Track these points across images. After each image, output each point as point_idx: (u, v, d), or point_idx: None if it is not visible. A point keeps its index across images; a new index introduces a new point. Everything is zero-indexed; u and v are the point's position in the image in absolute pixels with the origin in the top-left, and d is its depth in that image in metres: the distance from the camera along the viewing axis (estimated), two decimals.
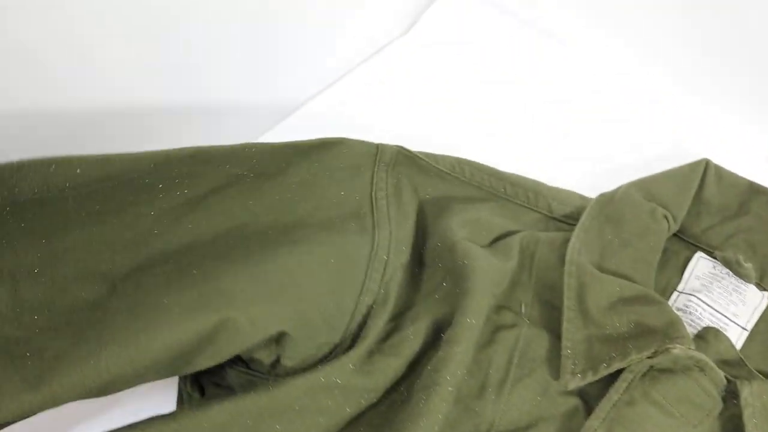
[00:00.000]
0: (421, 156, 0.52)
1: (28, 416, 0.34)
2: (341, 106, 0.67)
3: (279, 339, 0.42)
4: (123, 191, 0.42)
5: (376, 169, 0.50)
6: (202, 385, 0.47)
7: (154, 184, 0.43)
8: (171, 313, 0.37)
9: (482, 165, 0.53)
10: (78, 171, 0.41)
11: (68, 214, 0.40)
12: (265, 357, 0.43)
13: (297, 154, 0.48)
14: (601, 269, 0.46)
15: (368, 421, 0.42)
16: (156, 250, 0.41)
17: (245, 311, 0.39)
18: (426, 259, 0.49)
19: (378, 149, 0.51)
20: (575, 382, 0.42)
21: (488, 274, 0.45)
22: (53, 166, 0.40)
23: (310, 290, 0.43)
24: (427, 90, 0.68)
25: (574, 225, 0.49)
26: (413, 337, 0.44)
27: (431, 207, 0.51)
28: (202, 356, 0.39)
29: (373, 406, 0.43)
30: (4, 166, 0.39)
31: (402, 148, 0.52)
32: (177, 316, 0.37)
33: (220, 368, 0.44)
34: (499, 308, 0.46)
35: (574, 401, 0.43)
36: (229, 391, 0.45)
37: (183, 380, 0.47)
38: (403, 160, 0.51)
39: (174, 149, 0.44)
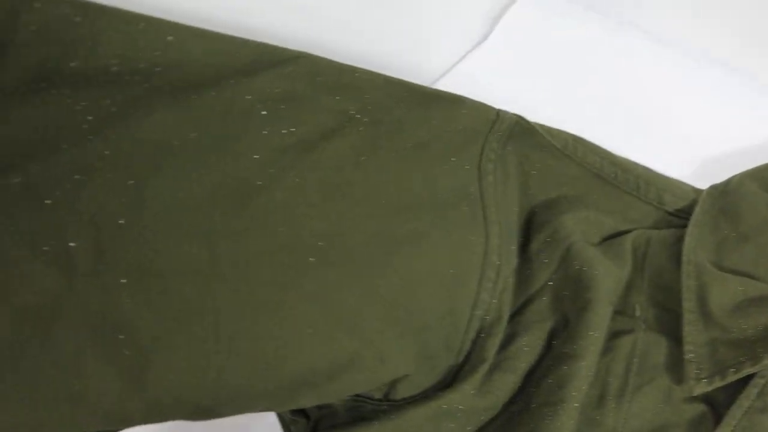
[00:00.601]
0: (538, 128, 0.46)
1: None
2: None
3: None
4: (222, 102, 0.34)
5: (489, 137, 0.43)
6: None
7: (254, 107, 0.35)
8: (300, 333, 0.34)
9: (596, 146, 0.48)
10: (169, 38, 0.33)
11: (160, 121, 0.32)
12: (377, 391, 0.40)
13: (414, 102, 0.41)
14: (721, 268, 0.43)
15: None
16: (259, 214, 0.34)
17: (375, 345, 0.36)
18: (531, 254, 0.44)
19: (498, 115, 0.44)
20: (701, 388, 0.41)
21: (608, 283, 0.42)
22: (141, 24, 0.33)
23: (432, 313, 0.39)
24: (517, 96, 0.63)
25: (686, 220, 0.46)
26: (527, 348, 0.42)
27: (536, 187, 0.46)
28: (314, 393, 0.36)
29: (491, 420, 0.41)
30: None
31: (521, 117, 0.46)
32: (308, 338, 0.34)
33: None
34: (614, 314, 0.44)
35: (701, 408, 0.42)
36: (332, 413, 0.43)
37: None
38: (520, 131, 0.45)
39: (278, 47, 0.36)
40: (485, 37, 0.63)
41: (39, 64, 0.29)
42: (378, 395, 0.41)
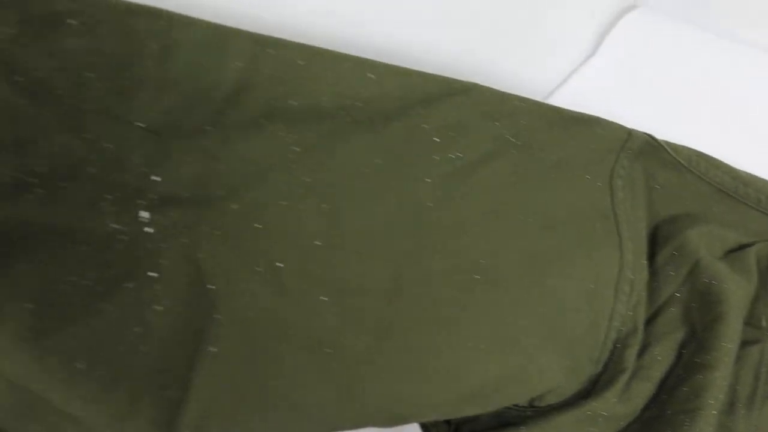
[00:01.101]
0: (665, 144, 0.48)
1: None
2: None
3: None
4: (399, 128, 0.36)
5: (620, 156, 0.46)
6: None
7: (429, 134, 0.38)
8: (475, 348, 0.37)
9: (717, 161, 0.50)
10: (370, 76, 0.36)
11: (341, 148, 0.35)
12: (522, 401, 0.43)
13: (557, 123, 0.44)
14: None
15: None
16: (432, 234, 0.37)
17: (536, 360, 0.39)
18: (657, 267, 0.47)
19: (630, 135, 0.47)
20: None
21: (738, 297, 0.44)
22: (348, 63, 0.35)
23: (578, 327, 0.42)
24: (624, 111, 0.60)
25: None
26: (660, 357, 0.44)
27: (661, 203, 0.48)
28: (479, 405, 0.39)
29: (628, 426, 0.44)
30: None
31: (651, 136, 0.48)
32: (482, 353, 0.37)
33: None
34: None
35: None
36: (474, 417, 0.45)
37: None
38: (649, 149, 0.48)
39: (453, 79, 0.39)
40: (592, 54, 0.64)
41: (267, 103, 0.33)
42: (523, 402, 0.44)
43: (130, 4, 0.30)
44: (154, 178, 0.31)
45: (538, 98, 0.48)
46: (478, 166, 0.39)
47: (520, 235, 0.40)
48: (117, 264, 0.30)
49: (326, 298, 0.34)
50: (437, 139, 0.37)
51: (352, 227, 0.35)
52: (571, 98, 0.64)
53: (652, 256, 0.47)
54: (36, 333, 0.28)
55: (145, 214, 0.31)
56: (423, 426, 0.49)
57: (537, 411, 0.43)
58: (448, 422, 0.47)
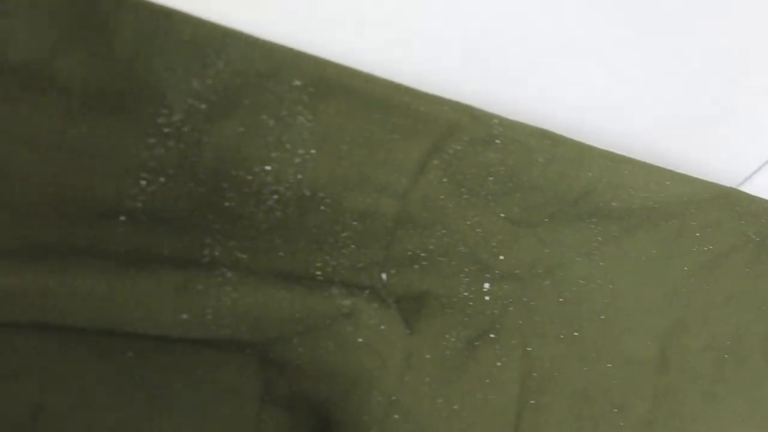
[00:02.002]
0: None
1: None
2: None
3: None
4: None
5: None
6: None
7: (694, 230, 0.44)
8: (734, 420, 0.44)
9: None
10: (667, 183, 0.42)
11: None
12: None
13: None
14: None
15: None
16: (689, 312, 0.44)
17: None
18: None
19: None
20: None
21: None
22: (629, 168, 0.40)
23: None
24: None
25: None
26: None
27: None
28: None
29: None
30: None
31: None
32: (740, 424, 0.44)
33: None
34: None
35: None
36: None
37: None
38: None
39: (713, 184, 0.44)
40: None
41: (596, 203, 0.39)
42: None
43: (545, 132, 0.37)
44: (501, 257, 0.38)
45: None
46: (722, 257, 0.45)
47: (757, 320, 0.46)
48: (470, 325, 0.37)
49: (611, 365, 0.40)
50: (698, 234, 0.44)
51: (627, 305, 0.42)
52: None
53: None
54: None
55: (486, 286, 0.38)
56: None
57: None
58: None
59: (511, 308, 0.39)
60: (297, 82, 0.29)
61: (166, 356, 0.31)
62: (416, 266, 0.36)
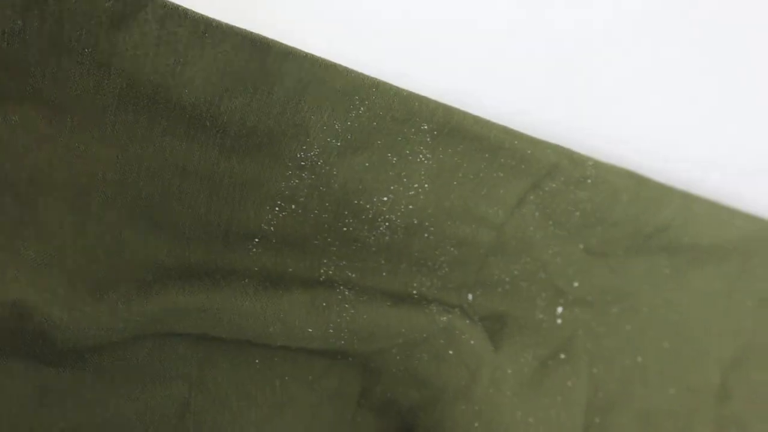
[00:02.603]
0: None
1: None
2: None
3: None
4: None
5: None
6: None
7: (756, 261, 0.47)
8: None
9: None
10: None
11: None
12: None
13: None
14: None
15: None
16: (755, 343, 0.47)
17: None
18: None
19: None
20: None
21: None
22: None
23: None
24: None
25: None
26: None
27: None
28: None
29: None
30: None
31: None
32: None
33: None
34: None
35: None
36: None
37: None
38: None
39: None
40: None
41: (668, 239, 0.42)
42: None
43: (631, 173, 0.39)
44: (575, 284, 0.41)
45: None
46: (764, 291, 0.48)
47: None
48: (543, 346, 0.40)
49: (673, 392, 0.43)
50: (761, 271, 0.46)
51: (691, 335, 0.44)
52: None
53: None
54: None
55: (560, 310, 0.41)
56: None
57: None
58: None
59: (580, 332, 0.42)
60: (425, 126, 0.32)
61: (285, 363, 0.34)
62: (499, 289, 0.39)
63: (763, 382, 0.47)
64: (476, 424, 0.38)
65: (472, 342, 0.38)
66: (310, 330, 0.33)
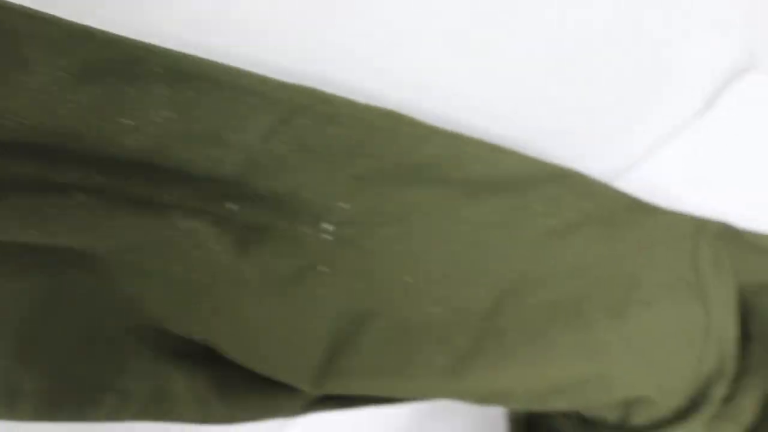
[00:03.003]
0: (744, 232, 0.55)
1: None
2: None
3: (634, 401, 0.51)
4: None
5: (699, 239, 0.53)
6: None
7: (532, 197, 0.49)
8: (559, 351, 0.48)
9: None
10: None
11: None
12: (610, 415, 0.52)
13: (634, 210, 0.53)
14: None
15: None
16: (529, 283, 0.49)
17: (616, 369, 0.50)
18: (751, 335, 0.56)
19: (703, 222, 0.54)
20: None
21: None
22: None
23: (665, 355, 0.52)
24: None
25: None
26: (748, 407, 0.53)
27: (750, 284, 0.56)
28: (564, 399, 0.51)
29: None
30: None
31: (726, 224, 0.55)
32: (564, 356, 0.49)
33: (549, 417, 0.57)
34: None
35: None
36: None
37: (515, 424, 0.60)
38: (728, 236, 0.55)
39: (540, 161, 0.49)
40: (699, 116, 0.61)
41: (393, 169, 0.45)
42: (608, 426, 0.56)
43: (389, 112, 0.42)
44: (344, 205, 0.44)
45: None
46: (568, 232, 0.50)
47: (606, 288, 0.51)
48: (300, 257, 0.44)
49: (439, 311, 0.47)
50: (540, 208, 0.49)
51: (465, 264, 0.48)
52: (670, 168, 0.62)
53: (745, 324, 0.57)
54: None
55: (326, 226, 0.44)
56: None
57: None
58: None
59: (348, 249, 0.45)
60: (159, 69, 0.35)
61: None
62: (262, 203, 0.42)
63: (534, 305, 0.49)
64: (217, 319, 0.43)
65: (217, 247, 0.41)
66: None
